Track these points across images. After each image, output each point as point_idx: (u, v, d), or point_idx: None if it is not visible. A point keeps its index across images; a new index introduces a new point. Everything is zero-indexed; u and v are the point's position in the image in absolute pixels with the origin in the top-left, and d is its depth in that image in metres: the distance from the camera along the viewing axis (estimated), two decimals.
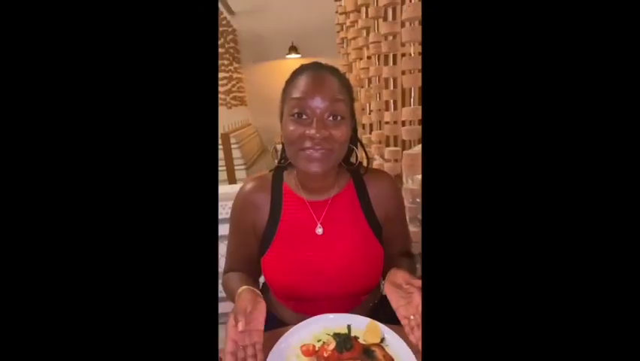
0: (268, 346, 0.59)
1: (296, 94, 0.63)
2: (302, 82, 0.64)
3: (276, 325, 0.75)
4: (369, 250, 0.73)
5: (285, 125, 0.65)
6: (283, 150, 0.72)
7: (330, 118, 0.63)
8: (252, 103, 4.70)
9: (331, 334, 0.58)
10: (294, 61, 3.93)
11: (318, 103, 0.62)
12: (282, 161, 0.76)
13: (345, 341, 0.54)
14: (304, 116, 0.63)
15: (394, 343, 0.60)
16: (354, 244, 0.72)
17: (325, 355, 0.54)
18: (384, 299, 0.88)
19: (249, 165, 3.52)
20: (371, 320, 0.64)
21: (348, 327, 0.61)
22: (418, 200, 1.12)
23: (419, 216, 1.14)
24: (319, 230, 0.71)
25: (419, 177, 1.14)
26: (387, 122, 1.33)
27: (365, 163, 0.76)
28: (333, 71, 0.66)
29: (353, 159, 0.75)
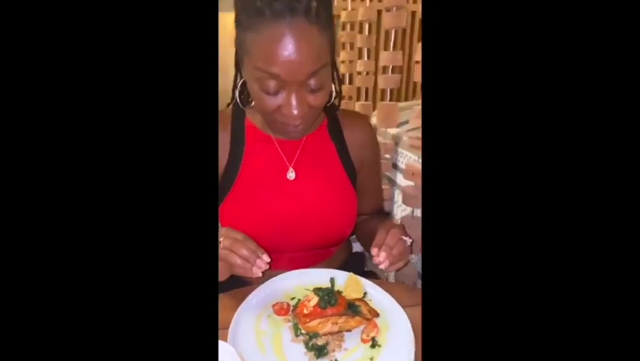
0: (233, 306, 0.50)
1: (263, 63, 0.45)
2: (271, 44, 0.44)
3: (237, 283, 0.66)
4: (344, 198, 0.65)
5: (252, 90, 0.50)
6: (243, 85, 0.56)
7: (311, 88, 0.48)
8: None
9: (311, 289, 0.50)
10: None
11: (294, 76, 0.45)
12: (244, 102, 0.60)
13: (329, 295, 0.46)
14: (276, 91, 0.48)
15: (378, 297, 0.54)
16: (328, 190, 0.63)
17: (306, 311, 0.45)
18: (356, 255, 0.83)
19: None
20: (351, 274, 0.57)
21: (332, 280, 0.53)
22: (387, 156, 1.06)
23: (388, 173, 1.09)
24: (291, 175, 0.61)
25: (393, 131, 1.07)
26: (359, 73, 1.22)
27: (337, 101, 0.64)
28: (308, 7, 0.44)
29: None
